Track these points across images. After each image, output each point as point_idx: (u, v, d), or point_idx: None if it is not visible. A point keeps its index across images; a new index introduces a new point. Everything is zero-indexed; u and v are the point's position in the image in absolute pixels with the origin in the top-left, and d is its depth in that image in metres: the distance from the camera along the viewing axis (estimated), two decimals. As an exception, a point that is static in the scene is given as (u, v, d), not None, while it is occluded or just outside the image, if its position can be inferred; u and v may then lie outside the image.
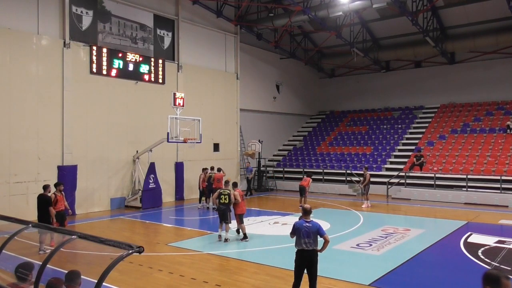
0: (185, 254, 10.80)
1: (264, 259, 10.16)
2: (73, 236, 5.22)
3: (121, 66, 18.42)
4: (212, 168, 18.42)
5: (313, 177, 19.85)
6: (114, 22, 18.57)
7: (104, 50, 17.83)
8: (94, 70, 17.51)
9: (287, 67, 29.82)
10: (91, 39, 17.65)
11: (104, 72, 17.85)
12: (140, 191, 18.13)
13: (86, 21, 17.54)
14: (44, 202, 11.04)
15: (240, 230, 12.43)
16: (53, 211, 10.96)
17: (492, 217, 15.99)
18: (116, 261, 4.34)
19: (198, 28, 22.43)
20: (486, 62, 26.61)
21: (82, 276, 4.98)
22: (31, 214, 12.27)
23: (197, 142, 18.18)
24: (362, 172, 20.32)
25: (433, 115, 27.84)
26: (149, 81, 19.63)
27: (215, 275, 9.17)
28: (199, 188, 18.64)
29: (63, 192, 11.86)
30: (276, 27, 24.55)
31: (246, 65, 25.91)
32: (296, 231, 7.12)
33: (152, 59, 19.81)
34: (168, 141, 17.34)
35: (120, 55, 18.38)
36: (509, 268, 9.31)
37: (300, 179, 20.13)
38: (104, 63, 17.82)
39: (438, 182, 20.62)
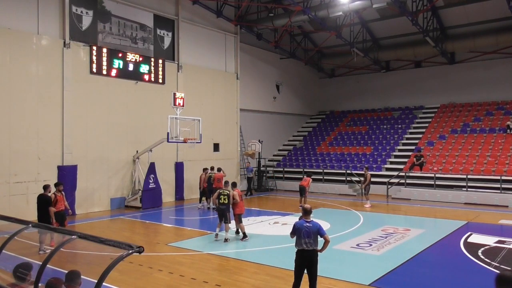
0: (185, 254, 10.80)
1: (264, 259, 10.16)
2: (73, 236, 5.22)
3: (121, 66, 18.42)
4: (212, 168, 18.42)
5: (313, 177, 19.85)
6: (114, 22, 18.57)
7: (104, 50, 17.83)
8: (94, 70, 17.51)
9: (287, 67, 29.82)
10: (91, 39, 17.65)
11: (104, 72, 17.85)
12: (140, 191, 18.13)
13: (86, 21, 17.54)
14: (44, 202, 11.04)
15: (240, 230, 12.44)
16: (53, 211, 10.96)
17: (492, 217, 15.99)
18: (116, 261, 4.34)
19: (198, 28, 22.43)
20: (486, 62, 26.61)
21: (82, 276, 4.98)
22: (31, 214, 12.26)
23: (197, 142, 18.18)
24: (362, 172, 20.33)
25: (433, 115, 27.84)
26: (149, 81, 19.63)
27: (215, 275, 9.17)
28: (200, 188, 18.64)
29: (63, 192, 11.85)
30: (276, 27, 24.55)
31: (246, 65, 25.91)
32: (296, 231, 7.11)
33: (152, 59, 19.81)
34: (168, 141, 17.34)
35: (120, 55, 18.38)
36: (509, 268, 9.30)
37: (300, 179, 20.13)
38: (104, 63, 17.82)
39: (438, 182, 20.62)
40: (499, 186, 19.06)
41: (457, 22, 24.83)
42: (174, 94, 17.66)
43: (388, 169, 23.89)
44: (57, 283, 4.84)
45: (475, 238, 12.36)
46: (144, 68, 19.37)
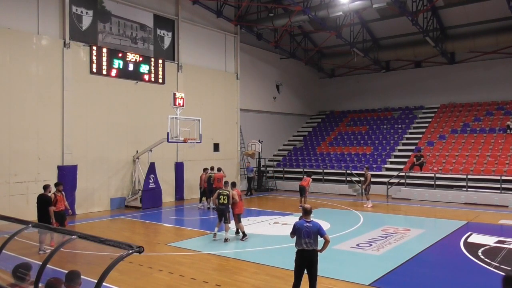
0: (185, 254, 10.80)
1: (264, 259, 10.16)
2: (73, 236, 5.23)
3: (121, 66, 18.42)
4: (212, 168, 18.41)
5: (313, 177, 19.86)
6: (114, 22, 18.57)
7: (104, 50, 17.83)
8: (94, 70, 17.51)
9: (287, 67, 29.82)
10: (91, 39, 17.64)
11: (104, 72, 17.85)
12: (140, 191, 18.13)
13: (86, 21, 17.54)
14: (44, 202, 11.04)
15: (239, 230, 12.45)
16: (52, 210, 10.96)
17: (492, 217, 15.99)
18: (116, 261, 4.34)
19: (198, 28, 22.43)
20: (486, 62, 26.61)
21: (82, 276, 4.97)
22: (31, 214, 12.26)
23: (197, 142, 18.18)
24: (363, 172, 20.32)
25: (433, 115, 27.84)
26: (149, 81, 19.63)
27: (215, 275, 9.17)
28: (200, 188, 18.64)
29: (63, 192, 11.85)
30: (276, 27, 24.55)
31: (246, 65, 25.91)
32: (296, 231, 7.11)
33: (152, 59, 19.81)
34: (168, 141, 17.34)
35: (120, 55, 18.38)
36: (509, 268, 9.30)
37: (300, 179, 20.13)
38: (104, 63, 17.82)
39: (438, 182, 20.62)
40: (499, 186, 19.06)
41: (457, 22, 24.83)
42: (174, 94, 17.66)
43: (388, 169, 23.90)
44: (57, 283, 4.84)
45: (475, 238, 12.36)
46: (144, 68, 19.37)
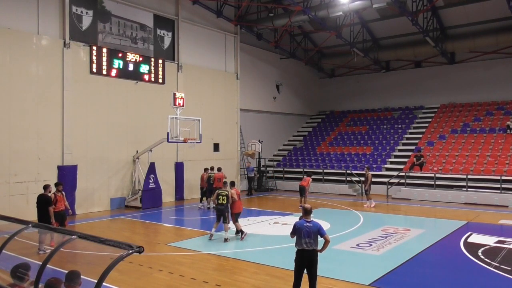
0: (185, 254, 10.80)
1: (264, 259, 10.16)
2: (73, 236, 5.23)
3: (121, 66, 18.42)
4: (212, 168, 18.42)
5: (313, 177, 19.86)
6: (114, 22, 18.57)
7: (104, 50, 17.83)
8: (94, 70, 17.50)
9: (287, 67, 29.82)
10: (91, 39, 17.64)
11: (104, 72, 17.84)
12: (140, 191, 18.13)
13: (86, 21, 17.54)
14: (44, 202, 11.04)
15: (240, 232, 12.46)
16: (52, 210, 10.95)
17: (492, 217, 15.99)
18: (116, 261, 4.34)
19: (198, 28, 22.43)
20: (486, 62, 26.61)
21: (82, 276, 4.98)
22: (31, 214, 12.25)
23: (197, 142, 18.18)
24: (363, 172, 20.30)
25: (433, 115, 27.84)
26: (149, 81, 19.63)
27: (215, 275, 9.17)
28: (202, 188, 18.63)
29: (63, 192, 11.85)
30: (276, 27, 24.55)
31: (246, 65, 25.91)
32: (296, 231, 7.11)
33: (152, 59, 19.80)
34: (168, 141, 17.34)
35: (120, 55, 18.38)
36: (509, 268, 9.30)
37: (300, 179, 20.13)
38: (104, 63, 17.82)
39: (438, 182, 20.62)
40: (499, 186, 19.06)
41: (457, 22, 24.83)
42: (174, 94, 17.66)
43: (388, 169, 23.89)
44: (56, 283, 4.84)
45: (475, 238, 12.36)
46: (144, 68, 19.37)
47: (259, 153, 24.73)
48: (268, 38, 26.19)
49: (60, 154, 16.38)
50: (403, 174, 21.95)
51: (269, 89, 28.68)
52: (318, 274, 7.15)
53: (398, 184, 21.81)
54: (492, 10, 22.87)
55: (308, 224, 7.06)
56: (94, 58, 17.47)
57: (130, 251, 4.39)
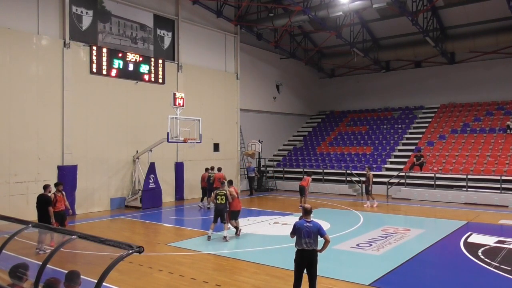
0: (185, 254, 10.80)
1: (264, 259, 10.15)
2: (73, 236, 5.23)
3: (121, 66, 18.42)
4: (212, 168, 18.43)
5: (313, 177, 19.85)
6: (114, 22, 18.57)
7: (104, 50, 17.83)
8: (94, 70, 17.50)
9: (287, 67, 29.82)
10: (91, 39, 17.64)
11: (104, 72, 17.84)
12: (140, 191, 18.13)
13: (86, 21, 17.54)
14: (44, 202, 11.04)
15: (236, 228, 12.53)
16: (52, 210, 10.94)
17: (492, 217, 15.99)
18: (116, 261, 4.34)
19: (198, 28, 22.42)
20: (486, 62, 26.61)
21: (82, 276, 4.97)
22: (31, 214, 12.26)
23: (197, 142, 18.18)
24: (364, 172, 20.28)
25: (433, 115, 27.84)
26: (149, 81, 19.63)
27: (215, 275, 9.17)
28: (201, 187, 18.64)
29: (63, 192, 11.84)
30: (276, 27, 24.55)
31: (246, 65, 25.91)
32: (296, 231, 7.11)
33: (152, 59, 19.80)
34: (168, 141, 17.34)
35: (120, 55, 18.38)
36: (509, 268, 9.30)
37: (300, 179, 20.13)
38: (104, 63, 17.81)
39: (438, 182, 20.62)
40: (499, 186, 19.06)
41: (457, 22, 24.83)
42: (174, 94, 17.67)
43: (388, 169, 23.89)
44: (55, 283, 4.84)
45: (475, 238, 12.36)
46: (144, 68, 19.37)
47: (259, 153, 24.73)
48: (268, 38, 26.19)
49: (60, 154, 16.38)
50: (403, 174, 21.94)
51: (269, 89, 28.68)
52: (318, 274, 7.15)
53: (398, 184, 21.81)
54: (492, 10, 22.87)
55: (308, 224, 7.06)
56: (94, 58, 17.47)
57: (130, 251, 4.39)
